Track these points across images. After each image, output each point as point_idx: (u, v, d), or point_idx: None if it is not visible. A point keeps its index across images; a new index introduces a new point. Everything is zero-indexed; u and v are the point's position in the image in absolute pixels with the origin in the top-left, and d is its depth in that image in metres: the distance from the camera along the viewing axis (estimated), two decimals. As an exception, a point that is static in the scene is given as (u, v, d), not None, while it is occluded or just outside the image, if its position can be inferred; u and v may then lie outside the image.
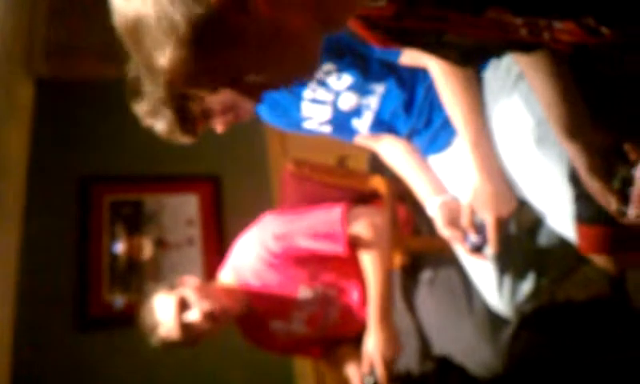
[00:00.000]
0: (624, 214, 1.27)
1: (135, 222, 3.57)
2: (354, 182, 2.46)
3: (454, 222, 1.80)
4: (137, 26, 0.94)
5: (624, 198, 1.26)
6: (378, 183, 2.35)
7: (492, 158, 1.69)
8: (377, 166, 2.24)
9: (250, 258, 2.21)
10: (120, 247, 3.51)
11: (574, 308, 2.19)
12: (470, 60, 1.37)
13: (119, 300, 3.41)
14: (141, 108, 1.74)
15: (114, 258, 3.48)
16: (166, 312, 2.07)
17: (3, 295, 3.02)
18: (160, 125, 1.74)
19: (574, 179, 1.42)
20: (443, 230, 1.82)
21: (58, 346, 3.17)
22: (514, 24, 1.01)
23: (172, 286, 2.12)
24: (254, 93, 1.06)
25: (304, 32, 0.99)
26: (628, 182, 1.24)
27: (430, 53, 1.33)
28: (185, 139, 1.79)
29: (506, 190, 1.70)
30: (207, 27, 0.92)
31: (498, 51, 1.37)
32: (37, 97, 3.58)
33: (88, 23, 3.46)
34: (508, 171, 1.69)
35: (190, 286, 2.13)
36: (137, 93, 1.77)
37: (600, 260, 1.51)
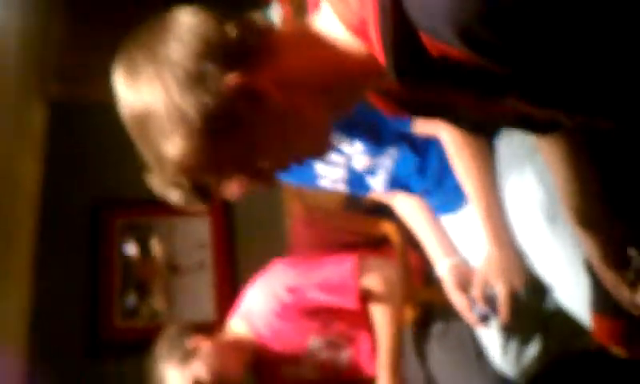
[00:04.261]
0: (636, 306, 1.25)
1: (146, 245, 3.57)
2: (365, 228, 2.46)
3: (462, 287, 1.79)
4: (144, 117, 0.95)
5: (636, 289, 1.25)
6: (389, 229, 2.34)
7: (504, 228, 1.68)
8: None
9: (261, 309, 2.21)
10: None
11: (591, 358, 2.17)
12: (483, 129, 1.36)
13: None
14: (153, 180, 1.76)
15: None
16: None
17: (16, 319, 3.04)
18: (175, 194, 1.75)
19: (589, 266, 1.39)
20: (453, 294, 1.81)
21: (71, 373, 3.18)
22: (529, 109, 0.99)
23: (185, 355, 2.07)
24: (265, 177, 1.06)
25: (313, 115, 0.99)
26: None
27: (442, 120, 1.33)
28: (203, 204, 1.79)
29: (518, 262, 1.69)
30: (218, 116, 0.92)
31: (512, 126, 1.35)
32: (50, 120, 3.58)
33: (100, 48, 3.46)
34: (519, 243, 1.68)
35: (203, 358, 2.09)
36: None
37: (615, 350, 1.50)
